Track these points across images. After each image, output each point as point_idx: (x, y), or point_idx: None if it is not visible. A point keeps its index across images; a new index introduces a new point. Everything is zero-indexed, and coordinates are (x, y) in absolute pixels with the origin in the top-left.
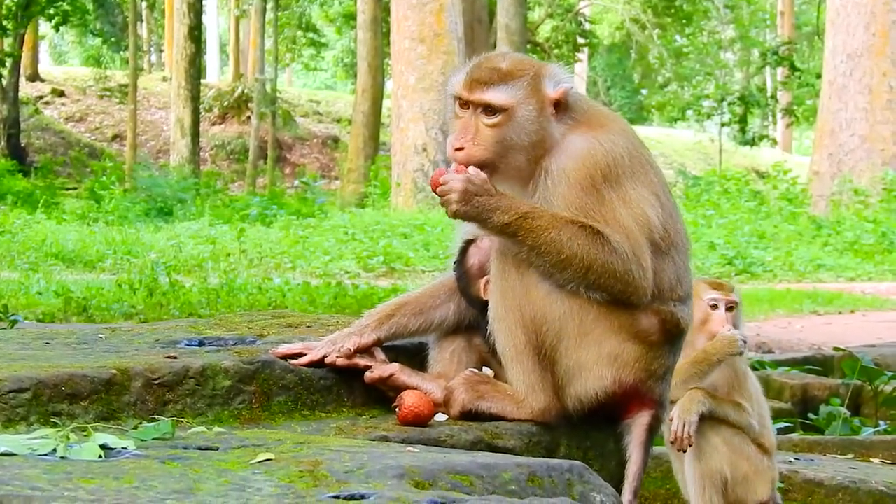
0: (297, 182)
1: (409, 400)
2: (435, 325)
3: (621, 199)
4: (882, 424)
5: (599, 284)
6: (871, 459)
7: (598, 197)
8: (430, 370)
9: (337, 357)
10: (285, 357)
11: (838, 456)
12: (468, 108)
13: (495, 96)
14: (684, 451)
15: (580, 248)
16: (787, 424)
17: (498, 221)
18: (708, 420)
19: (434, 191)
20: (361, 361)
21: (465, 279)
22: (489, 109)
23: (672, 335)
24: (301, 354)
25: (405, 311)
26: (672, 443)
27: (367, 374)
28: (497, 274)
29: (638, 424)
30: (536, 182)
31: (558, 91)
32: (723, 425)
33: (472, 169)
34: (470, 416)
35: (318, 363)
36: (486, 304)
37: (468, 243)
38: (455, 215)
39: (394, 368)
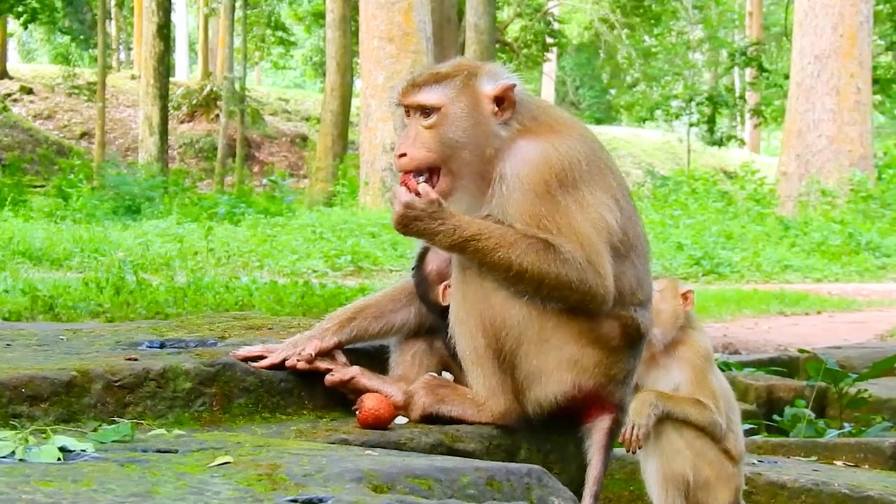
0: (265, 180)
1: (369, 403)
2: (395, 328)
3: (578, 205)
4: (846, 426)
5: (555, 296)
6: (835, 462)
7: (553, 203)
8: (391, 373)
9: (298, 360)
10: (246, 359)
11: (802, 458)
12: (409, 115)
13: (426, 97)
14: (633, 454)
15: (530, 264)
16: (752, 426)
17: (441, 243)
18: (670, 421)
19: None
20: (322, 365)
21: (424, 285)
22: (424, 111)
23: (632, 339)
24: (262, 357)
25: (366, 315)
26: (621, 444)
27: (328, 378)
28: (458, 278)
29: (598, 428)
30: (493, 187)
31: (497, 88)
32: (685, 427)
33: (422, 187)
34: (431, 419)
35: (279, 366)
36: (445, 309)
37: (426, 249)
38: (398, 232)
39: (354, 371)
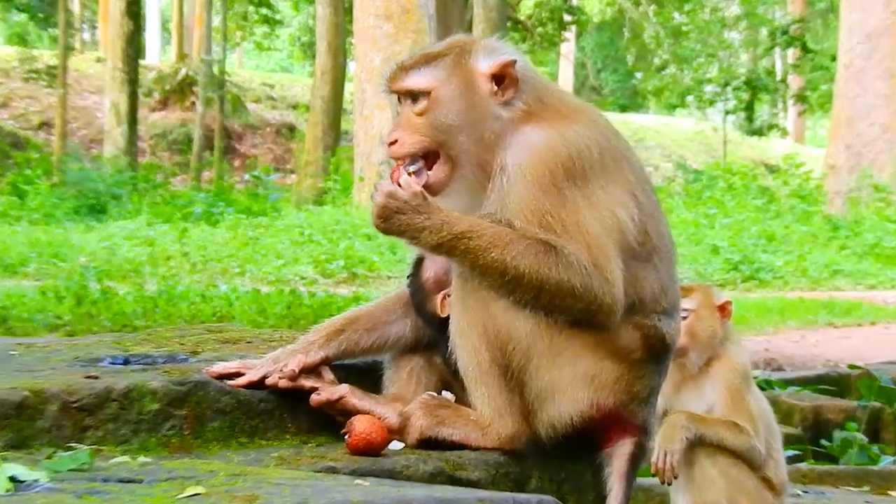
0: (247, 176)
1: (360, 426)
2: (390, 342)
3: (586, 200)
4: None
5: (556, 305)
6: (890, 492)
7: (559, 197)
8: (385, 392)
9: (280, 378)
10: (221, 377)
11: (853, 488)
12: (401, 101)
13: (414, 81)
14: (669, 485)
15: (528, 268)
16: (796, 452)
17: (427, 242)
18: (702, 447)
19: None
20: (307, 382)
21: (421, 294)
22: (413, 96)
23: (657, 352)
24: (239, 374)
25: (356, 327)
26: (654, 475)
27: (314, 397)
28: (458, 285)
29: (619, 454)
30: (493, 179)
31: (494, 65)
32: (719, 454)
33: (405, 179)
34: (429, 444)
35: (258, 384)
36: (444, 321)
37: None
38: (378, 230)
39: (344, 390)
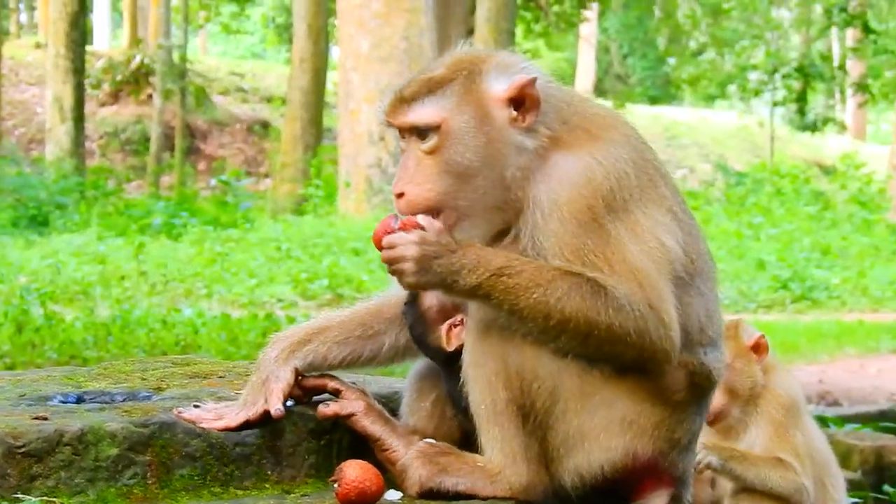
0: (213, 181)
1: (351, 473)
2: (363, 359)
3: (630, 232)
4: None
5: (605, 353)
6: None
7: (602, 234)
8: (401, 420)
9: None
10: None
11: None
12: (404, 137)
13: (419, 114)
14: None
15: (575, 310)
16: (856, 500)
17: (465, 284)
18: (745, 492)
19: (379, 249)
20: (339, 407)
21: (421, 325)
22: (419, 132)
23: (701, 391)
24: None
25: (325, 338)
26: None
27: (322, 409)
28: (476, 307)
29: None
30: (524, 217)
31: (510, 87)
32: (763, 499)
33: (423, 219)
34: (432, 495)
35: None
36: (450, 355)
37: None
38: (412, 287)
39: (357, 407)
